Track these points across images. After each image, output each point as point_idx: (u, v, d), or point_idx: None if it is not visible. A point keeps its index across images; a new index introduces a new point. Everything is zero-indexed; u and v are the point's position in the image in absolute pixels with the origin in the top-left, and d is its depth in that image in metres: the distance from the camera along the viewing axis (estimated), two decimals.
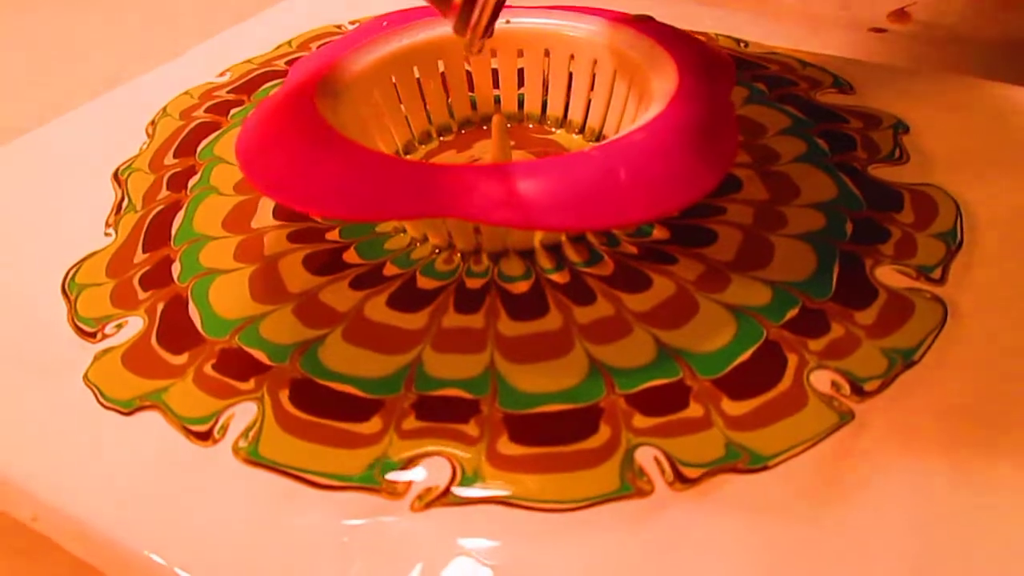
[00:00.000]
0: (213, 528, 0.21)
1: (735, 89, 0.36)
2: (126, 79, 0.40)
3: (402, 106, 0.33)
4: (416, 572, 0.19)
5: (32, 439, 0.23)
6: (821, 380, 0.23)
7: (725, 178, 0.29)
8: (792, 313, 0.25)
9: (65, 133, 0.37)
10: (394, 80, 0.32)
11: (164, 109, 0.38)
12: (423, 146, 0.33)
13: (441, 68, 0.33)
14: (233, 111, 0.37)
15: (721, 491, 0.20)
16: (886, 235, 0.28)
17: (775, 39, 0.47)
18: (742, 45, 0.40)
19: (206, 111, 0.38)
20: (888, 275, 0.26)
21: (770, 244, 0.28)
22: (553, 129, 0.33)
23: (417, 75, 0.32)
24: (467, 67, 0.33)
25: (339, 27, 0.44)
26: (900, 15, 0.50)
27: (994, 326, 0.25)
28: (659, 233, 0.28)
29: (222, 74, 0.40)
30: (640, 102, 0.29)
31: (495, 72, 0.33)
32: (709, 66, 0.28)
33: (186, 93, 0.39)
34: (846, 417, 0.22)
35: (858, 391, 0.23)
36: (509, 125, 0.33)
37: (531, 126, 0.34)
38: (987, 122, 0.33)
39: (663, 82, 0.28)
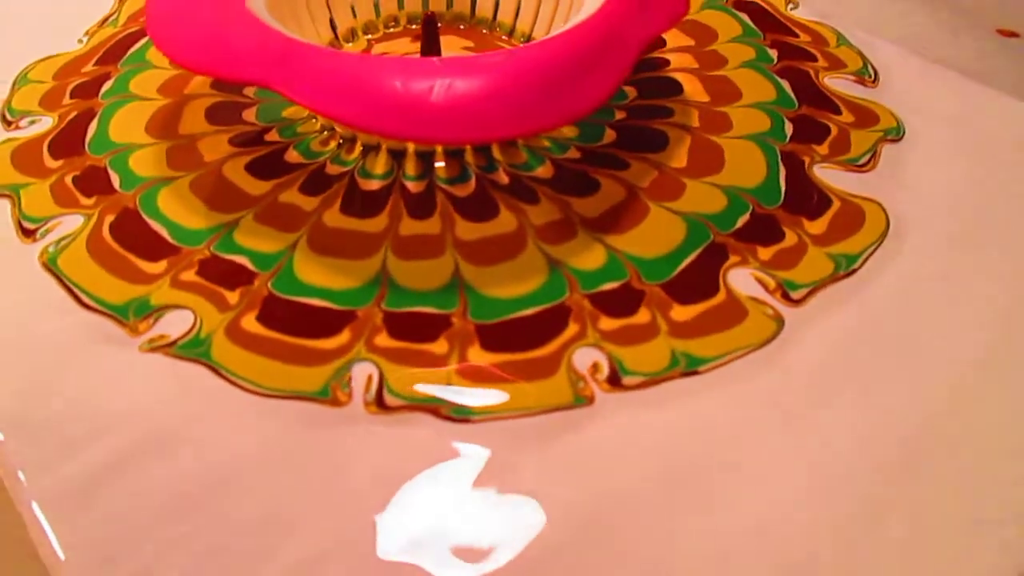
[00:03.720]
0: None
1: (738, 48, 0.33)
2: None
3: None
4: (105, 400, 0.21)
5: None
6: (584, 358, 0.22)
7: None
8: (611, 287, 0.23)
9: None
10: None
11: None
12: (386, 28, 0.33)
13: None
14: None
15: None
16: (776, 237, 0.25)
17: (870, 13, 0.42)
18: (790, 7, 0.36)
19: None
20: (743, 279, 0.24)
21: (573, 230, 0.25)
22: (504, 36, 0.32)
23: None
24: None
25: None
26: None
27: (815, 375, 0.22)
28: (543, 171, 0.27)
29: None
30: None
31: None
32: (642, 2, 0.26)
33: None
34: (582, 400, 0.21)
35: (615, 381, 0.21)
36: (463, 27, 0.32)
37: (484, 31, 0.33)
38: (1006, 165, 0.28)
39: (591, 7, 0.26)
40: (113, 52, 0.32)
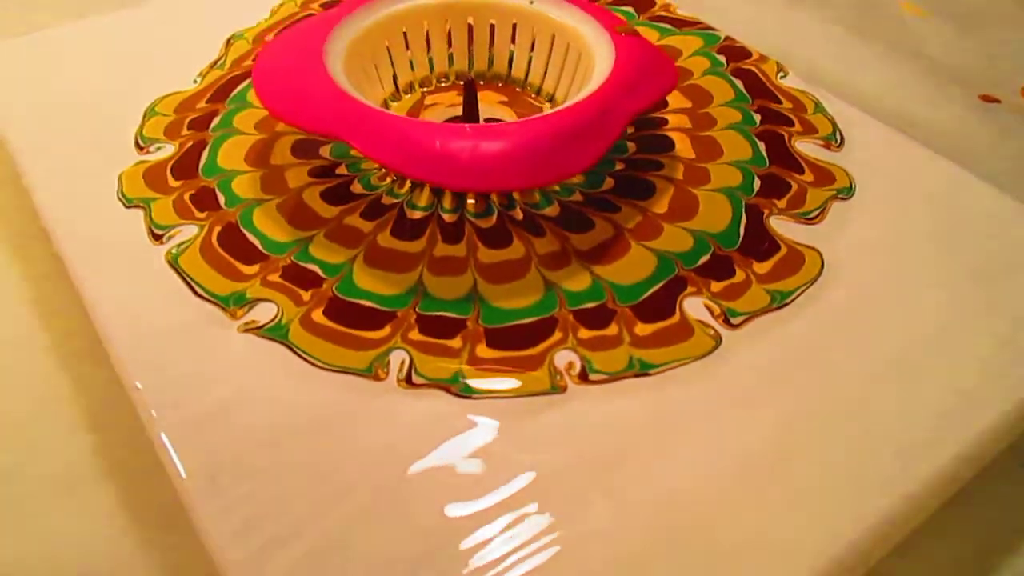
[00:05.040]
0: (123, 300, 0.31)
1: (727, 111, 0.39)
2: None
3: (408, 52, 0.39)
4: (212, 364, 0.28)
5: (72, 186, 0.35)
6: (563, 358, 0.29)
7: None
8: (591, 305, 0.30)
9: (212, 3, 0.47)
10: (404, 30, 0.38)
11: None
12: (438, 83, 0.40)
13: (448, 26, 0.39)
14: None
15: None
16: (729, 274, 0.32)
17: (857, 78, 0.48)
18: (779, 76, 0.43)
19: (321, 6, 0.47)
20: (695, 305, 0.31)
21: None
22: (533, 95, 0.39)
23: (426, 28, 0.39)
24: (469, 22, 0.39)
25: None
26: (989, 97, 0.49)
27: (740, 382, 0.29)
28: (551, 211, 0.34)
29: None
30: None
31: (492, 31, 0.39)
32: (636, 82, 0.33)
33: None
34: (557, 389, 0.28)
35: (584, 376, 0.28)
36: (500, 84, 0.40)
37: (517, 89, 0.40)
38: (941, 227, 0.34)
39: (598, 79, 0.33)
40: (221, 92, 0.40)
